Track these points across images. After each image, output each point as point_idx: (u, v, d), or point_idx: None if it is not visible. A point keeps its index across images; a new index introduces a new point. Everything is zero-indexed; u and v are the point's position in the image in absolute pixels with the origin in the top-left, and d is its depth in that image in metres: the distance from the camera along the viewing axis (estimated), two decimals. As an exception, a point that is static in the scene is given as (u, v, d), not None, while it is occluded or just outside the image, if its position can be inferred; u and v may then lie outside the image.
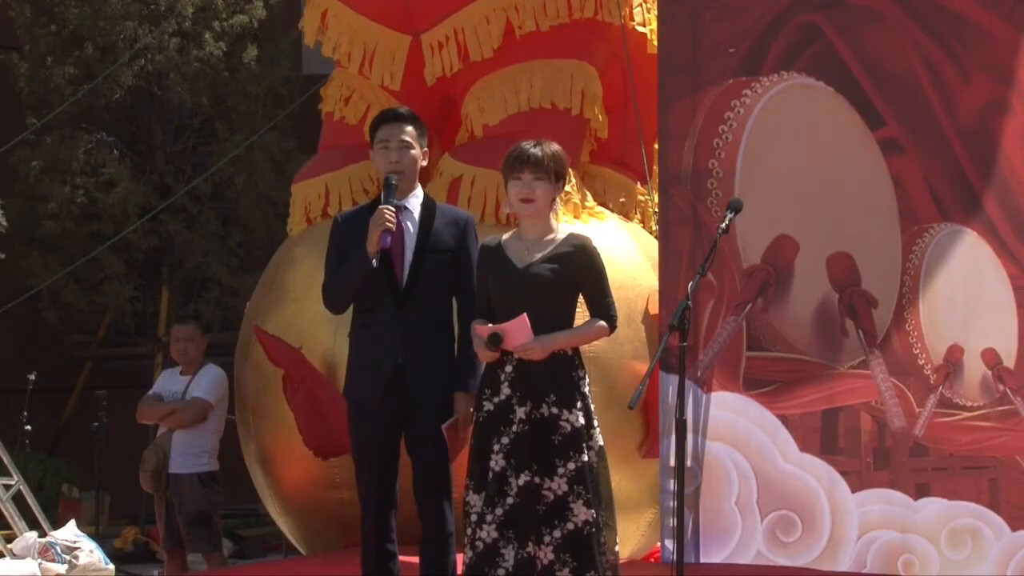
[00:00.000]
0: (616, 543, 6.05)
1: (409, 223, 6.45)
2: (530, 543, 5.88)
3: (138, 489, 9.65)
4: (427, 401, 6.34)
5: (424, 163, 6.60)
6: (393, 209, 6.32)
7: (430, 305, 6.35)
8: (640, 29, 8.54)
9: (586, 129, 8.43)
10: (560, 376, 6.02)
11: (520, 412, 5.98)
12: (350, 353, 6.58)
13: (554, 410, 5.98)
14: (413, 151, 6.47)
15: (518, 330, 5.94)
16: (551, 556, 5.89)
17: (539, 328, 5.98)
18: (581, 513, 5.92)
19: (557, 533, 5.90)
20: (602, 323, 6.14)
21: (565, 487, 5.93)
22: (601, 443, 6.06)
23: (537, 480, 5.92)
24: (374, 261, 6.31)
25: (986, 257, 7.33)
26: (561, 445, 5.95)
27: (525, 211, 6.11)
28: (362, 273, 6.36)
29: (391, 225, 6.28)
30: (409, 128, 6.48)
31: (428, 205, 6.52)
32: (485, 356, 6.07)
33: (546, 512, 5.91)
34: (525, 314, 5.92)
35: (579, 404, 6.01)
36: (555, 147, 6.16)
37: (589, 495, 5.94)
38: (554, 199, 6.15)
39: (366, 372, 6.42)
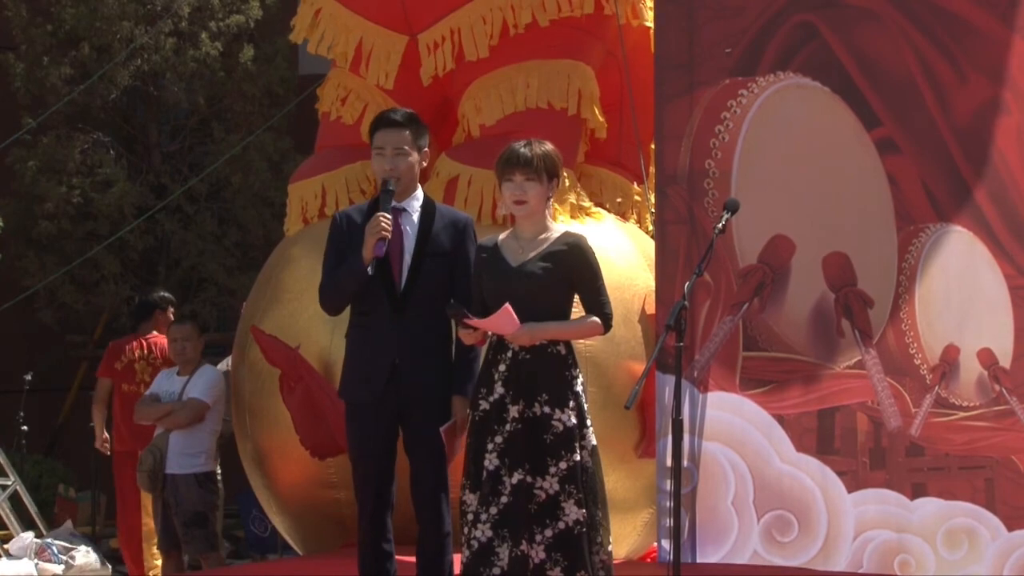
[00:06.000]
0: (610, 542, 6.05)
1: (408, 226, 6.44)
2: (523, 542, 5.89)
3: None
4: (424, 403, 6.33)
5: (424, 164, 6.59)
6: (389, 217, 6.30)
7: (428, 308, 6.33)
8: (647, 24, 8.53)
9: (583, 129, 8.43)
10: (553, 375, 6.02)
11: (513, 411, 5.98)
12: (346, 354, 6.57)
13: (546, 409, 5.98)
14: (409, 157, 6.44)
15: (503, 320, 5.92)
16: (543, 555, 5.89)
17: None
18: (572, 512, 5.92)
19: (548, 532, 5.90)
20: (595, 319, 6.13)
21: (557, 486, 5.93)
22: (594, 443, 6.05)
23: (529, 479, 5.92)
24: (369, 269, 6.31)
25: (982, 257, 7.34)
26: (553, 444, 5.95)
27: (519, 212, 6.12)
28: (356, 279, 6.35)
29: (387, 233, 6.27)
30: (405, 133, 6.45)
31: (428, 207, 6.50)
32: (467, 338, 6.07)
33: (538, 511, 5.91)
34: (508, 304, 5.91)
35: (572, 403, 6.01)
36: (546, 146, 6.16)
37: (581, 494, 5.93)
38: (548, 198, 6.16)
39: (362, 374, 6.41)
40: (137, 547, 9.99)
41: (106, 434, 10.44)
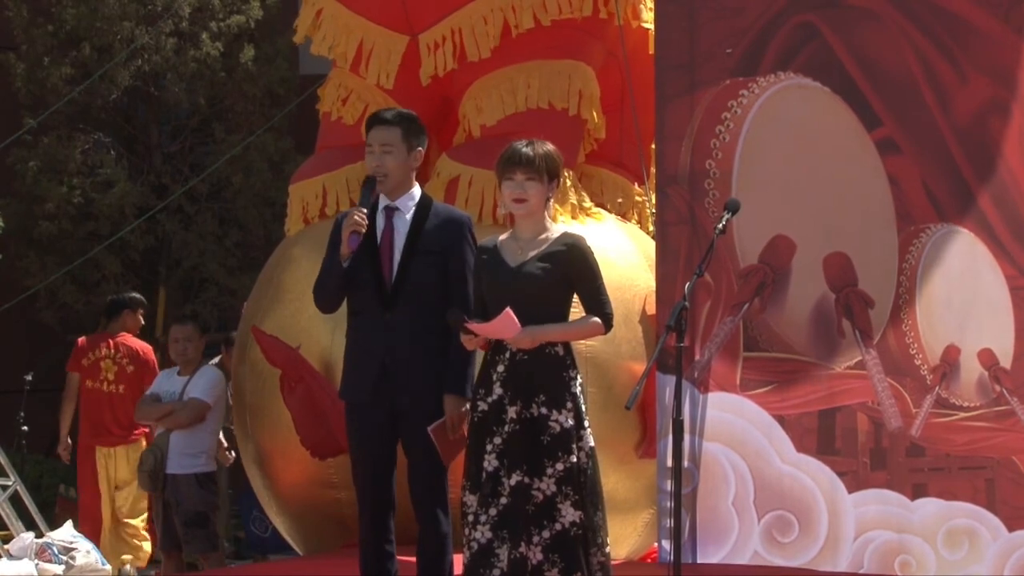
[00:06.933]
0: (607, 544, 6.04)
1: (399, 223, 6.44)
2: (522, 543, 5.88)
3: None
4: (418, 402, 6.32)
5: (418, 163, 6.57)
6: (364, 211, 6.31)
7: (418, 306, 6.33)
8: (646, 26, 8.54)
9: (583, 129, 8.43)
10: (551, 376, 6.00)
11: (511, 412, 5.96)
12: (344, 353, 6.58)
13: (543, 410, 5.96)
14: (396, 155, 6.43)
15: (504, 325, 5.91)
16: (540, 556, 5.88)
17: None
18: (569, 514, 5.91)
19: (546, 533, 5.89)
20: (596, 319, 6.10)
21: (554, 487, 5.91)
22: (592, 444, 6.03)
23: (527, 480, 5.91)
24: (345, 263, 6.32)
25: (983, 257, 7.34)
26: (550, 445, 5.93)
27: (518, 211, 6.11)
28: (335, 275, 6.37)
29: (360, 229, 6.28)
30: (394, 131, 6.44)
31: (423, 205, 6.50)
32: (470, 344, 6.06)
33: (535, 512, 5.90)
34: (509, 308, 5.90)
35: (569, 404, 5.99)
36: (548, 146, 6.15)
37: (577, 496, 5.92)
38: (548, 198, 6.15)
39: (357, 373, 6.42)
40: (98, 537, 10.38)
41: (69, 441, 10.96)
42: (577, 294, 6.15)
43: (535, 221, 6.13)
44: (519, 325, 5.90)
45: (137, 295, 11.16)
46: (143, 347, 10.71)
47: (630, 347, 7.94)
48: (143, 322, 11.08)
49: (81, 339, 10.82)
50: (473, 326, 5.99)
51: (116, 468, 10.56)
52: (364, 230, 6.29)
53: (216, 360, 10.02)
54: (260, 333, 8.03)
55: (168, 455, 8.83)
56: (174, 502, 8.83)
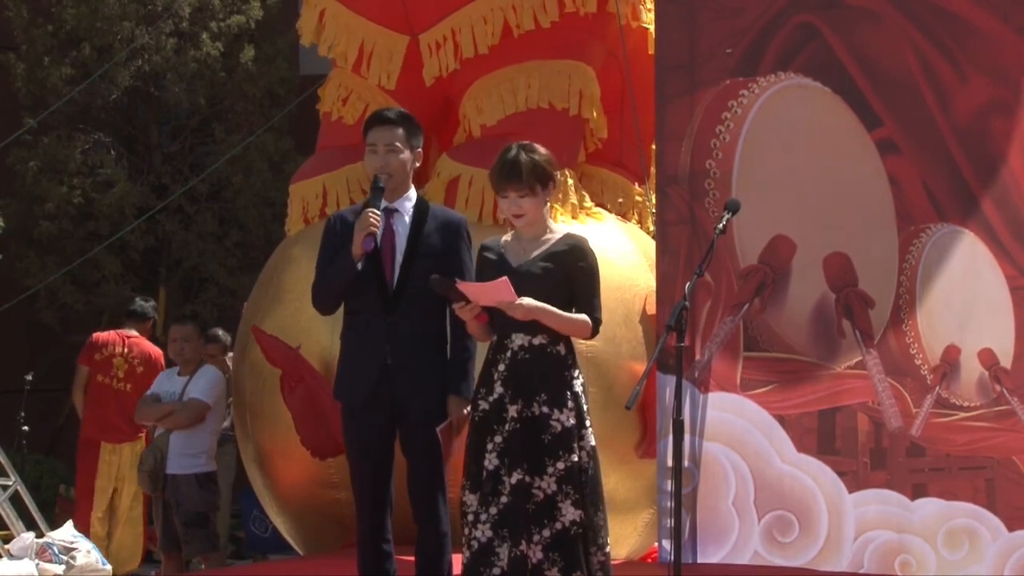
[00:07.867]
0: (607, 543, 6.04)
1: (399, 226, 6.44)
2: (523, 541, 5.88)
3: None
4: (419, 403, 6.32)
5: (417, 164, 6.58)
6: (378, 213, 6.31)
7: (420, 308, 6.33)
8: (646, 26, 8.55)
9: (584, 129, 8.43)
10: (552, 375, 6.01)
11: (512, 411, 5.97)
12: (340, 354, 6.57)
13: (544, 409, 5.96)
14: (401, 155, 6.44)
15: (497, 289, 5.89)
16: (540, 555, 5.88)
17: (532, 326, 5.98)
18: (569, 513, 5.91)
19: (546, 532, 5.89)
20: (586, 318, 6.10)
21: (554, 486, 5.92)
22: (593, 443, 6.03)
23: (528, 479, 5.92)
24: (358, 264, 6.32)
25: (983, 257, 7.34)
26: (551, 444, 5.94)
27: (518, 223, 6.13)
28: (346, 276, 6.35)
29: (375, 229, 6.28)
30: (398, 131, 6.44)
31: (421, 207, 6.50)
32: (464, 313, 6.03)
33: (536, 511, 5.90)
34: (506, 277, 5.89)
35: (570, 404, 5.99)
36: (536, 154, 6.11)
37: (578, 495, 5.92)
38: (546, 201, 6.15)
39: (355, 374, 6.42)
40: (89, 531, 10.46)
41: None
42: (573, 294, 6.12)
43: (536, 224, 6.15)
44: (515, 294, 5.89)
45: (146, 308, 11.20)
46: (155, 352, 10.82)
47: (630, 347, 7.94)
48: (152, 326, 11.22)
49: (96, 334, 10.99)
50: (463, 285, 5.97)
51: (120, 465, 10.61)
52: (378, 231, 6.29)
53: None
54: (260, 333, 8.04)
55: (168, 455, 8.84)
56: (174, 502, 8.83)
